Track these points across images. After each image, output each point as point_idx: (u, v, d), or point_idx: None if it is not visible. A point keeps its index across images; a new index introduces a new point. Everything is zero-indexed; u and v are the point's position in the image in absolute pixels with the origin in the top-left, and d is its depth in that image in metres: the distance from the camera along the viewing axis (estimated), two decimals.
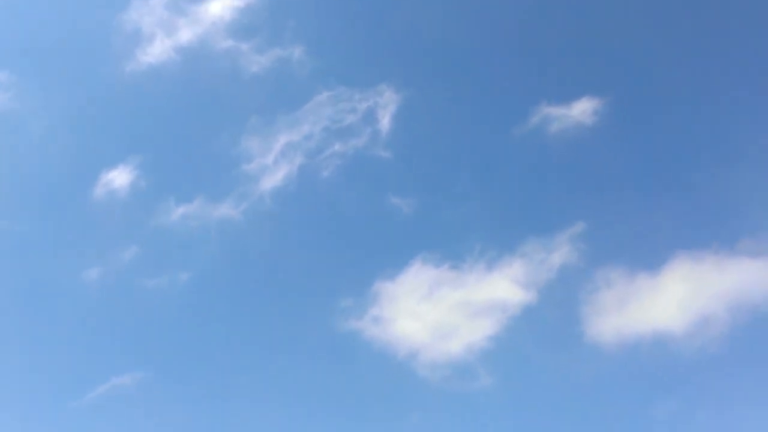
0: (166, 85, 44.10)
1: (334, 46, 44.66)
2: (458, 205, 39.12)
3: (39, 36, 45.65)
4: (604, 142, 39.33)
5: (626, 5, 42.79)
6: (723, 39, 40.66)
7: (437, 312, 36.01)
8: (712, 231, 35.45)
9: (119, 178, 41.30)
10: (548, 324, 35.10)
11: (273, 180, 40.49)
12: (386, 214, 39.24)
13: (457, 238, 37.75)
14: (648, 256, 35.24)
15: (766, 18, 39.86)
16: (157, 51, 43.89)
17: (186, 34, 44.25)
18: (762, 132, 37.71)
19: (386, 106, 41.45)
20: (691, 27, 41.25)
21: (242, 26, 44.43)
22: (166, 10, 44.81)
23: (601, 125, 39.23)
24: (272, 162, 41.07)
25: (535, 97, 40.24)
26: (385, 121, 41.14)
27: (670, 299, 33.63)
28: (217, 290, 38.90)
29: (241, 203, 40.16)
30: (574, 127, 39.39)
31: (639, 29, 41.48)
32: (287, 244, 39.89)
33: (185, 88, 44.24)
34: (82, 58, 45.14)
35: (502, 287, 35.78)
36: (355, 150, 40.95)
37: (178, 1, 44.95)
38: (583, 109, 39.47)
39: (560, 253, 36.10)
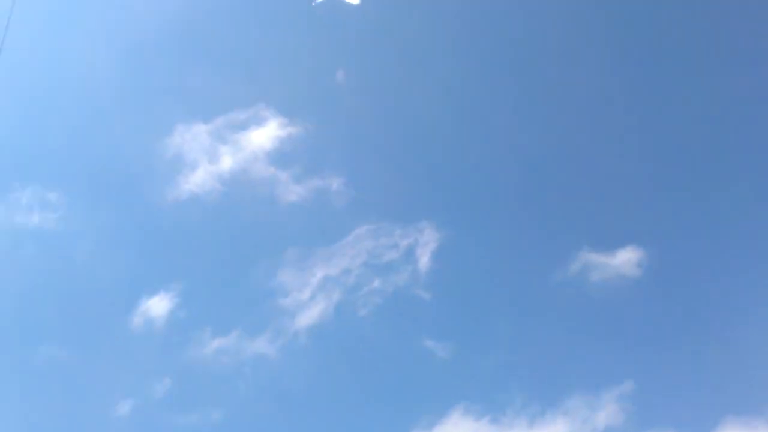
0: (207, 213, 44.39)
1: (374, 179, 44.62)
2: (497, 352, 38.44)
3: (88, 158, 46.63)
4: (648, 296, 38.57)
5: (676, 160, 42.17)
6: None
7: None
8: (764, 395, 33.91)
9: (158, 306, 41.27)
10: None
11: (309, 316, 40.15)
12: (423, 358, 38.47)
13: (497, 388, 37.00)
14: (698, 420, 34.02)
15: None
16: (198, 179, 44.37)
17: (227, 163, 44.75)
18: None
19: (426, 244, 41.14)
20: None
21: (282, 155, 44.73)
22: (209, 137, 45.37)
23: (645, 277, 38.51)
24: (309, 297, 40.75)
25: (577, 242, 39.75)
26: (424, 260, 40.77)
27: None
28: (249, 430, 38.25)
29: (277, 339, 39.83)
30: (616, 278, 38.76)
31: (685, 184, 40.77)
32: (322, 384, 39.22)
33: (225, 216, 44.47)
34: (127, 183, 45.85)
35: None
36: (395, 288, 40.50)
37: (221, 129, 45.45)
38: (626, 259, 38.83)
39: (606, 412, 34.99)
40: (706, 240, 39.88)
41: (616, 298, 38.62)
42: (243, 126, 44.94)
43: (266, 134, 44.80)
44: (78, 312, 42.21)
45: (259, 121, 44.91)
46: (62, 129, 47.13)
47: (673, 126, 42.52)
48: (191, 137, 45.43)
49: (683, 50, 43.99)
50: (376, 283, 40.58)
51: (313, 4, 43.96)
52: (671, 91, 43.53)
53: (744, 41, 42.78)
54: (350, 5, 43.07)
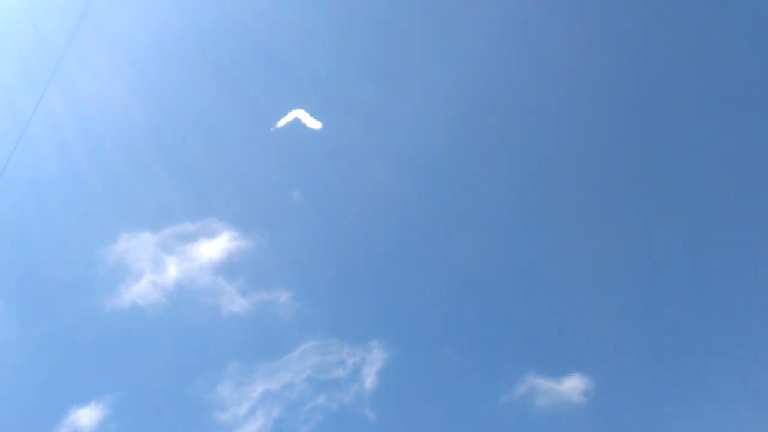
0: (148, 323, 43.16)
1: (323, 297, 44.33)
2: None
3: (28, 262, 45.73)
4: (592, 425, 38.00)
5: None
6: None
7: None
8: None
9: (87, 417, 39.51)
10: None
11: None
12: None
13: None
14: None
15: None
16: (141, 288, 43.46)
17: (172, 273, 44.00)
18: None
19: (373, 363, 40.49)
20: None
21: (230, 268, 44.30)
22: (155, 247, 44.86)
23: (589, 406, 38.18)
24: (248, 412, 39.43)
25: (524, 365, 39.47)
26: (371, 378, 40.03)
27: None
28: None
29: None
30: (561, 403, 38.39)
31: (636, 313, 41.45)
32: None
33: (166, 327, 43.25)
34: (66, 290, 44.62)
35: None
36: (339, 405, 39.52)
37: (168, 239, 45.00)
38: (572, 386, 38.63)
39: None
40: (654, 375, 40.03)
41: (560, 424, 38.19)
42: (192, 237, 44.70)
43: (215, 246, 44.45)
44: (1, 423, 40.36)
45: (209, 233, 44.73)
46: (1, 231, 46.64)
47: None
48: (137, 246, 44.96)
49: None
50: (320, 400, 39.70)
51: (272, 129, 45.24)
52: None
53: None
54: (311, 129, 44.53)
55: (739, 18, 45.69)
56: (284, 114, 44.75)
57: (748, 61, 44.78)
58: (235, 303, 43.03)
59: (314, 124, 44.55)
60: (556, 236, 44.08)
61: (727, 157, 43.69)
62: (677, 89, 45.82)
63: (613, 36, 47.32)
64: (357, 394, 39.71)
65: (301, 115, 44.75)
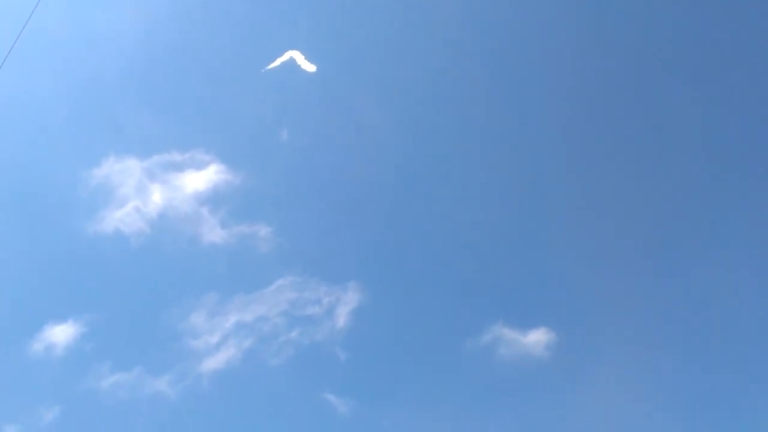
0: (129, 248, 43.61)
1: (304, 235, 44.92)
2: (397, 413, 37.94)
3: (12, 179, 45.91)
4: (551, 379, 38.77)
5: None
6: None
7: None
8: None
9: (62, 334, 40.11)
10: None
11: (216, 361, 39.39)
12: (325, 412, 37.93)
13: None
14: None
15: None
16: (124, 213, 43.84)
17: (156, 201, 44.39)
18: None
19: (348, 303, 41.11)
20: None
21: (214, 199, 44.69)
22: (141, 173, 45.11)
23: (551, 361, 38.89)
24: (219, 341, 40.11)
25: (493, 315, 40.19)
26: (343, 318, 40.69)
27: None
28: None
29: (180, 381, 38.83)
30: (523, 355, 39.17)
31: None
32: (217, 428, 38.24)
33: (147, 254, 43.75)
34: (50, 210, 45.17)
35: None
36: (311, 342, 40.24)
37: (154, 166, 45.24)
38: (537, 339, 39.35)
39: None
40: (617, 330, 40.66)
41: (520, 375, 38.99)
42: (178, 167, 45.02)
43: (201, 178, 44.82)
44: None
45: (195, 165, 45.08)
46: None
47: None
48: (122, 171, 45.14)
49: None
50: (293, 335, 40.34)
51: (265, 69, 45.25)
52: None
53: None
54: (305, 72, 44.59)
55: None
56: (280, 54, 44.89)
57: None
58: (216, 234, 43.57)
59: (309, 66, 44.63)
60: (535, 190, 44.74)
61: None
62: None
63: None
64: (330, 332, 40.51)
65: (296, 56, 44.80)
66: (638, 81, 46.74)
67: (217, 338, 40.18)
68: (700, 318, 39.74)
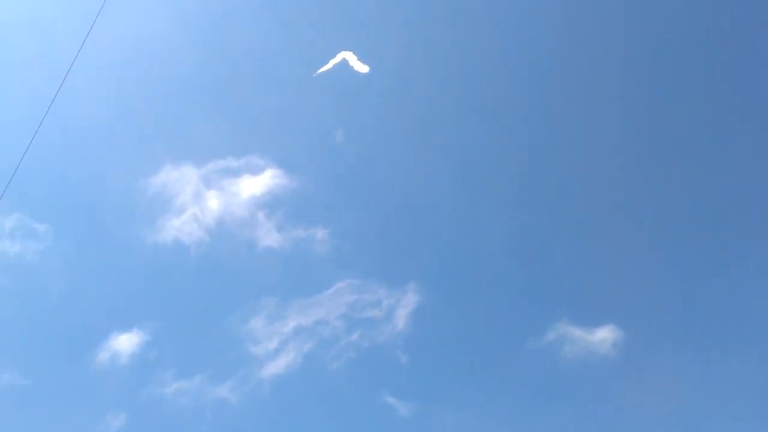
0: (188, 255, 43.92)
1: (362, 237, 44.45)
2: (459, 415, 37.17)
3: (79, 193, 46.66)
4: (618, 378, 37.53)
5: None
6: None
7: None
8: None
9: (127, 342, 40.62)
10: None
11: (276, 366, 39.28)
12: (386, 415, 37.40)
13: None
14: None
15: None
16: (182, 221, 44.14)
17: (213, 207, 44.58)
18: None
19: (407, 305, 40.50)
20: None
21: (272, 204, 44.59)
22: (198, 180, 45.33)
23: (618, 359, 37.63)
24: (279, 346, 39.99)
25: (557, 313, 39.09)
26: (404, 320, 40.11)
27: None
28: None
29: (241, 386, 38.89)
30: (589, 354, 37.94)
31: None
32: None
33: (206, 260, 43.99)
34: (112, 219, 45.73)
35: None
36: (372, 344, 39.77)
37: (211, 173, 45.42)
38: (603, 337, 38.04)
39: None
40: (683, 331, 39.19)
41: (586, 374, 37.85)
42: (234, 173, 45.14)
43: (257, 183, 44.81)
44: (46, 342, 41.90)
45: (251, 170, 45.11)
46: (54, 160, 46.90)
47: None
48: (179, 178, 45.39)
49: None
50: (354, 338, 39.95)
51: (317, 72, 44.96)
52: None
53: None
54: (358, 73, 44.20)
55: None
56: (332, 56, 44.60)
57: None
58: (274, 238, 43.46)
59: (362, 67, 44.24)
60: (599, 185, 43.43)
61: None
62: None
63: None
64: (390, 334, 39.95)
65: (349, 57, 44.47)
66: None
67: (277, 343, 40.14)
68: None
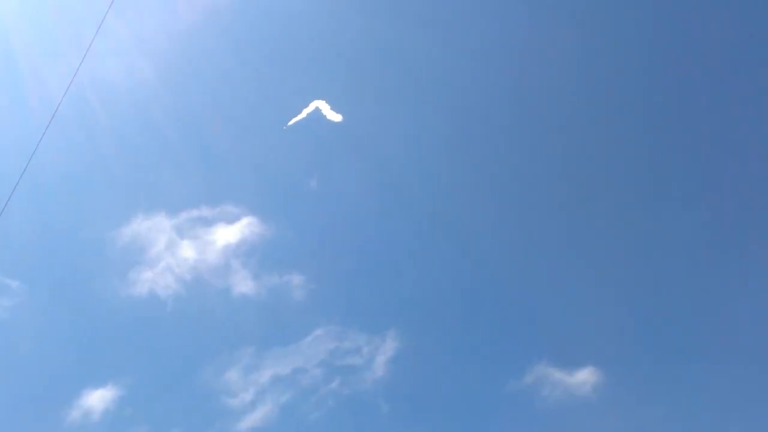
0: (162, 307, 43.26)
1: (339, 284, 44.17)
2: None
3: (51, 247, 46.00)
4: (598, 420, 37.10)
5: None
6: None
7: None
8: None
9: (100, 398, 39.81)
10: None
11: (253, 418, 38.55)
12: None
13: None
14: None
15: None
16: (155, 272, 43.58)
17: (187, 257, 44.09)
18: None
19: (387, 352, 40.06)
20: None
21: (247, 253, 44.17)
22: (171, 230, 44.88)
23: (599, 402, 37.27)
24: (257, 398, 39.29)
25: (536, 354, 38.84)
26: (384, 367, 39.67)
27: None
28: None
29: None
30: (569, 396, 37.63)
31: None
32: None
33: (180, 311, 43.36)
34: (84, 274, 45.15)
35: None
36: (352, 392, 39.19)
37: (184, 223, 45.02)
38: (583, 379, 37.77)
39: None
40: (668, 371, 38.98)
41: (565, 417, 37.38)
42: (208, 222, 44.78)
43: (232, 232, 44.39)
44: (17, 400, 41.06)
45: (226, 219, 44.76)
46: (26, 214, 46.14)
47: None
48: (152, 228, 44.87)
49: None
50: (333, 385, 39.35)
51: (290, 122, 45.06)
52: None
53: None
54: (331, 121, 44.41)
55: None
56: (305, 105, 44.81)
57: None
58: (249, 287, 43.00)
59: (334, 116, 44.48)
60: (576, 231, 43.57)
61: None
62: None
63: None
64: (370, 382, 39.42)
65: (321, 106, 44.72)
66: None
67: (253, 395, 39.47)
68: (753, 359, 37.76)
